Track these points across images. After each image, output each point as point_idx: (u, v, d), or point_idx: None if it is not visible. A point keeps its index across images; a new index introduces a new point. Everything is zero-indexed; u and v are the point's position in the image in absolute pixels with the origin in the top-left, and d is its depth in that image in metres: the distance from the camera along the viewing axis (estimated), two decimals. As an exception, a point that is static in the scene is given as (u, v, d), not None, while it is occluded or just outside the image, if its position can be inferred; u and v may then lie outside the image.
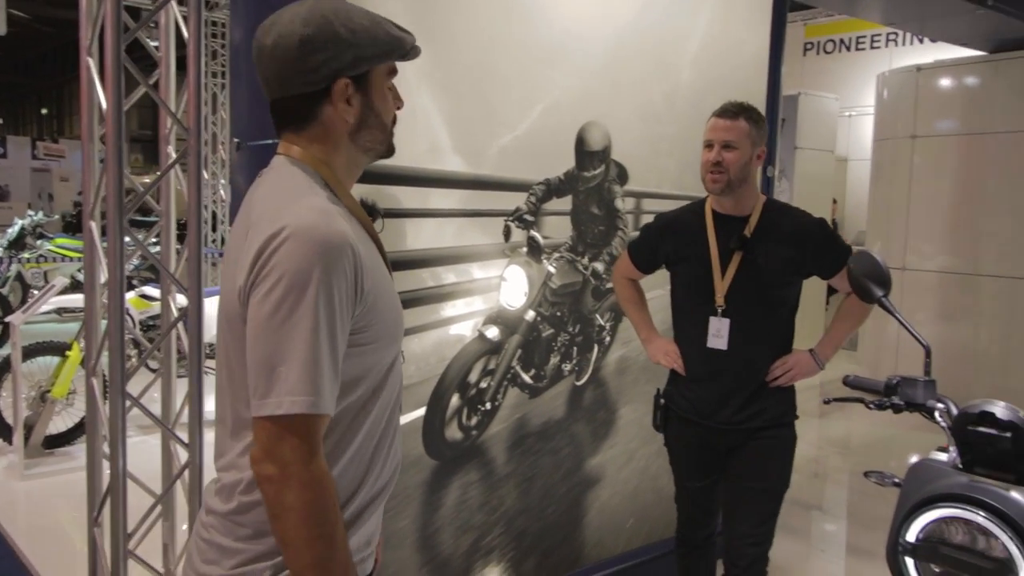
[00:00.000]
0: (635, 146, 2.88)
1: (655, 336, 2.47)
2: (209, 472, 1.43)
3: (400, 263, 2.33)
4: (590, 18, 2.68)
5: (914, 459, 1.47)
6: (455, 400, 2.50)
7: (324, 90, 1.20)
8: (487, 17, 2.43)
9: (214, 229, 9.22)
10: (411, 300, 2.36)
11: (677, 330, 2.41)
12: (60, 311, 4.68)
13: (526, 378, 2.68)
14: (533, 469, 2.74)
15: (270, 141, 2.28)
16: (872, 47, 8.78)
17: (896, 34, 8.37)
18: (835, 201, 8.61)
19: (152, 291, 4.71)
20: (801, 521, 4.09)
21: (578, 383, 2.84)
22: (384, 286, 1.22)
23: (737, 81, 3.22)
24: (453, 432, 2.51)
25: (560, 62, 2.61)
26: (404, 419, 2.40)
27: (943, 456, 1.46)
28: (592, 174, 2.76)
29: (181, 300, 2.56)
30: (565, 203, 2.71)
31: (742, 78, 3.23)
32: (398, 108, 1.29)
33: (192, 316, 2.41)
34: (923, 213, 6.30)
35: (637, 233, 2.58)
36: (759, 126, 2.24)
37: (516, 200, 2.58)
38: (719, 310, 2.24)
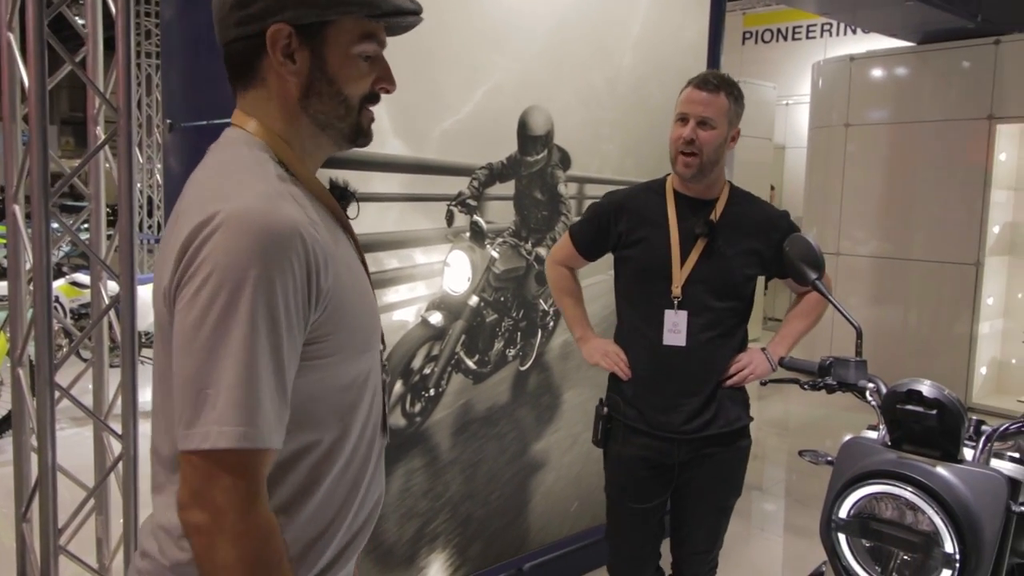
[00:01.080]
0: (577, 130, 2.89)
1: (591, 335, 2.21)
2: (144, 464, 1.35)
3: (341, 248, 2.29)
4: (532, 0, 2.67)
5: (846, 438, 1.51)
6: (398, 387, 2.48)
7: (259, 36, 0.98)
8: (428, -1, 2.40)
9: (150, 215, 8.95)
10: (353, 286, 2.33)
11: (624, 325, 2.16)
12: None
13: (470, 364, 2.67)
14: (478, 455, 2.74)
15: (204, 122, 2.23)
16: (808, 37, 8.97)
17: (831, 25, 8.57)
18: (773, 188, 8.78)
19: (83, 278, 4.56)
20: (741, 503, 4.18)
21: (522, 368, 2.85)
22: (353, 283, 1.02)
23: (678, 67, 3.24)
24: (396, 419, 2.49)
25: (503, 44, 2.60)
26: (346, 406, 2.37)
27: (873, 434, 1.51)
28: (535, 159, 2.75)
29: (113, 287, 2.48)
30: (508, 188, 2.70)
31: (682, 64, 3.26)
32: (383, 89, 1.08)
33: (124, 303, 2.33)
34: (856, 200, 6.48)
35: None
36: (739, 104, 2.02)
37: (459, 184, 2.56)
38: (676, 302, 2.01)
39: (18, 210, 2.39)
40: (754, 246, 2.07)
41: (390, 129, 2.36)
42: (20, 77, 2.32)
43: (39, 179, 2.21)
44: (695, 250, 2.03)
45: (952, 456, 1.38)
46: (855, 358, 1.63)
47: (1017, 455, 1.42)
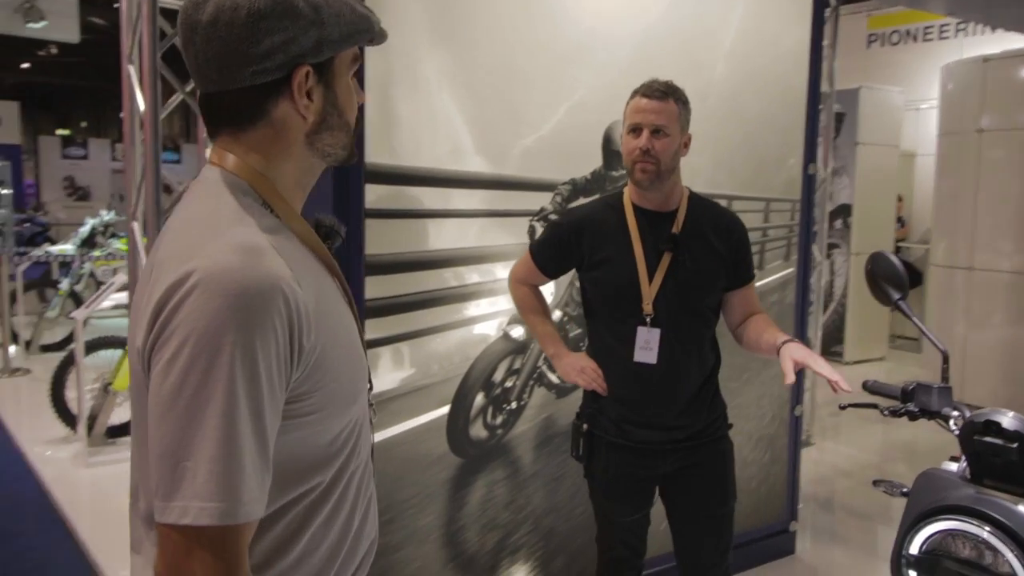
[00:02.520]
0: (666, 144, 2.84)
1: (565, 351, 2.14)
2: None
3: (422, 263, 2.36)
4: (616, 15, 2.66)
5: (924, 469, 1.41)
6: (479, 399, 2.52)
7: (279, 81, 0.95)
8: (509, 17, 2.44)
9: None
10: (433, 300, 2.39)
11: (595, 343, 2.12)
12: (123, 307, 4.87)
13: (553, 378, 2.68)
14: (561, 469, 2.73)
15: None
16: (941, 37, 8.43)
17: (965, 24, 8.02)
18: (900, 198, 8.30)
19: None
20: (859, 531, 3.98)
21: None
22: (338, 334, 0.98)
23: (776, 75, 3.16)
24: (478, 431, 2.53)
25: (586, 61, 2.60)
26: (429, 416, 2.43)
27: (953, 467, 1.41)
28: (620, 173, 2.73)
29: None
30: (593, 203, 2.69)
31: (780, 72, 3.16)
32: (360, 103, 1.07)
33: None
34: (992, 210, 6.03)
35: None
36: (687, 108, 2.01)
37: (541, 200, 2.58)
38: (648, 319, 1.97)
39: (136, 226, 2.60)
40: (718, 253, 2.03)
41: (471, 147, 2.41)
42: (138, 106, 2.53)
43: (152, 197, 2.40)
44: (661, 266, 2.00)
45: (1032, 491, 1.27)
46: (939, 384, 1.52)
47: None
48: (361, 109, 1.12)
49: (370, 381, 1.13)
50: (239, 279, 0.84)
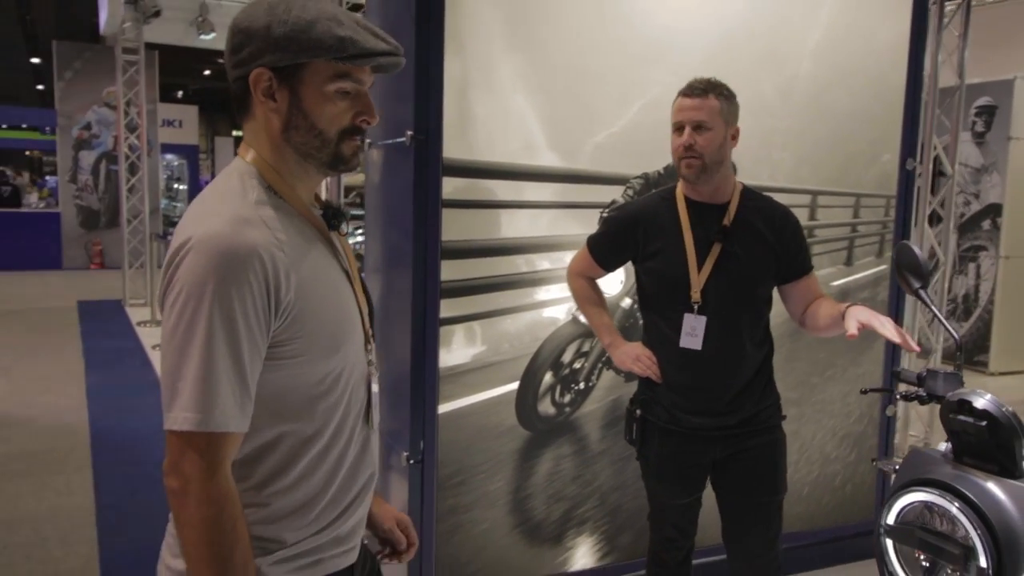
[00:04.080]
0: (744, 140, 2.89)
1: (621, 341, 2.25)
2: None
3: (494, 250, 2.57)
4: (691, 13, 2.76)
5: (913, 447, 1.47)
6: (548, 377, 2.71)
7: (246, 78, 1.15)
8: (583, 18, 2.61)
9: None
10: (504, 284, 2.61)
11: (648, 332, 2.21)
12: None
13: (621, 362, 2.81)
14: (629, 449, 2.83)
15: (398, 140, 2.63)
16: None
17: None
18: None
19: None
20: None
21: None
22: (323, 295, 1.17)
23: (871, 71, 3.13)
24: (546, 407, 2.72)
25: (660, 59, 2.72)
26: (499, 391, 2.65)
27: (943, 446, 1.45)
28: (695, 168, 2.83)
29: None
30: (666, 196, 2.81)
31: (875, 68, 3.13)
32: (362, 122, 1.19)
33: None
34: None
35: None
36: (731, 103, 2.07)
37: (613, 193, 2.73)
38: (695, 307, 2.05)
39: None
40: (769, 246, 2.08)
41: (543, 143, 2.60)
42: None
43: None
44: (711, 255, 2.07)
45: (1010, 472, 1.31)
46: (945, 369, 1.56)
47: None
48: (429, 108, 1.31)
49: (370, 340, 1.33)
50: (223, 243, 1.06)
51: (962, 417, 1.35)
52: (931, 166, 4.50)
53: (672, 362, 2.13)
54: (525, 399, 2.68)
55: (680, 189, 2.16)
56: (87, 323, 8.24)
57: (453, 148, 2.48)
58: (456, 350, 2.56)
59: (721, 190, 2.12)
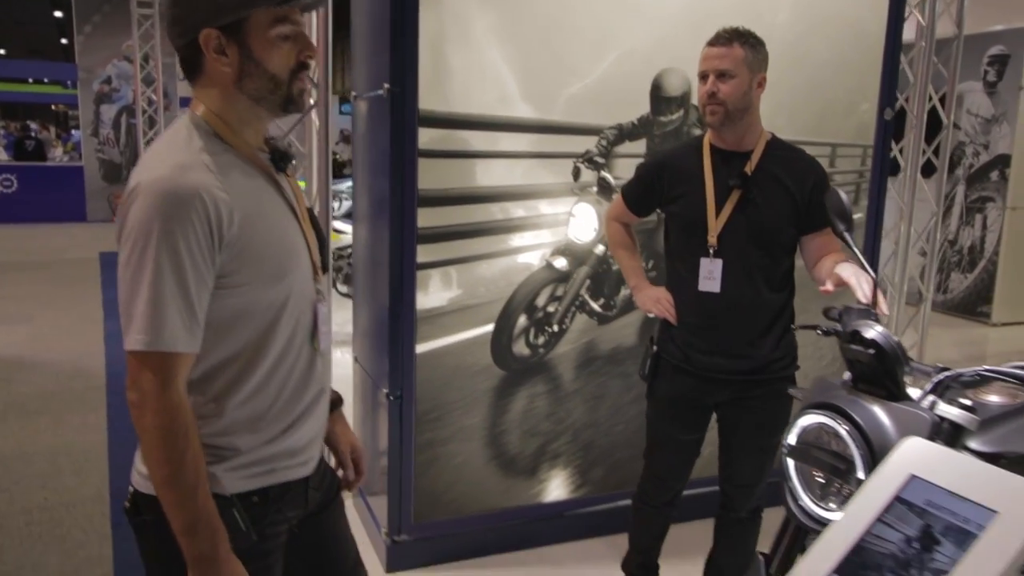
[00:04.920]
0: (718, 91, 2.97)
1: (645, 284, 2.36)
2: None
3: (469, 198, 2.70)
4: (664, -32, 2.81)
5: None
6: (522, 320, 2.85)
7: (194, 42, 1.25)
8: (555, -24, 2.68)
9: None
10: (480, 231, 2.73)
11: (669, 274, 2.32)
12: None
13: (595, 306, 2.95)
14: (602, 389, 3.02)
15: (377, 92, 2.74)
16: None
17: None
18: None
19: (340, 225, 5.50)
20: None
21: (650, 315, 3.05)
22: (266, 230, 1.30)
23: (849, 19, 3.16)
24: (520, 348, 2.86)
25: (634, 11, 2.79)
26: (475, 332, 2.80)
27: (847, 375, 1.57)
28: (669, 119, 2.91)
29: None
30: (639, 147, 2.90)
31: (853, 16, 3.16)
32: (306, 58, 1.31)
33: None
34: None
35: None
36: (757, 51, 2.11)
37: (586, 144, 2.83)
38: (711, 251, 2.14)
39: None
40: (791, 195, 2.13)
41: (518, 94, 2.70)
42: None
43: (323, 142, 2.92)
44: (730, 201, 2.14)
45: (895, 396, 1.43)
46: (860, 305, 1.67)
47: (969, 403, 1.41)
48: (404, 61, 1.44)
49: (318, 271, 1.47)
50: (166, 186, 1.20)
51: (855, 346, 1.47)
52: (925, 117, 4.51)
53: (689, 304, 2.22)
54: (500, 340, 2.82)
55: (707, 137, 2.23)
56: (108, 273, 8.52)
57: (429, 100, 2.59)
58: (433, 293, 2.71)
59: (746, 138, 2.17)
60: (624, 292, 2.98)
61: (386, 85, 2.55)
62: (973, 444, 1.43)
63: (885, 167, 3.37)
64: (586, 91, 2.79)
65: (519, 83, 2.70)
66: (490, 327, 2.81)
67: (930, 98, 4.56)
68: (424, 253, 2.67)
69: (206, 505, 1.27)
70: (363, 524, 3.11)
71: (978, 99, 7.20)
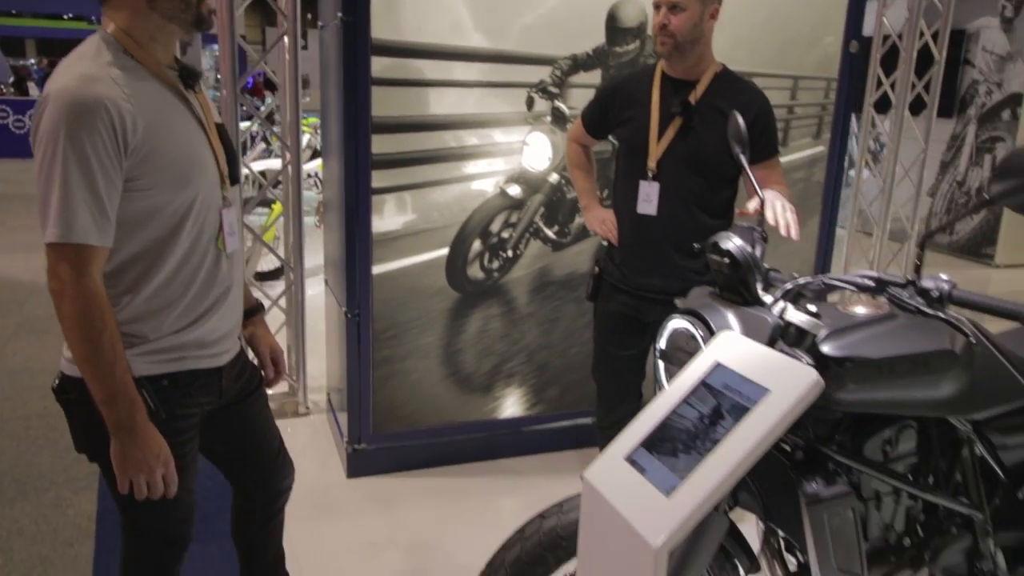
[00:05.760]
0: (675, 21, 3.01)
1: (595, 205, 2.48)
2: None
3: (423, 126, 2.80)
4: (619, -103, 2.83)
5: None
6: (477, 245, 2.97)
7: None
8: (507, -95, 2.72)
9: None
10: (433, 157, 2.85)
11: (614, 197, 2.43)
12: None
13: (549, 233, 3.06)
14: (556, 312, 3.15)
15: (332, 22, 2.83)
16: None
17: None
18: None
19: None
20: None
21: (604, 243, 3.15)
22: (171, 139, 1.44)
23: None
24: (475, 272, 3.00)
25: (588, -58, 2.82)
26: (430, 255, 2.94)
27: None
28: (624, 49, 2.97)
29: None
30: (594, 77, 2.97)
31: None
32: None
33: (293, 165, 3.12)
34: None
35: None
36: None
37: (540, 74, 2.90)
38: (650, 174, 2.23)
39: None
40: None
41: (470, 24, 2.78)
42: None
43: (228, 66, 3.03)
44: (672, 128, 2.23)
45: (749, 303, 1.55)
46: (745, 224, 1.76)
47: (814, 310, 1.52)
48: None
49: (226, 180, 1.61)
50: (71, 96, 1.33)
51: (713, 256, 1.58)
52: (915, 53, 4.46)
53: (628, 226, 2.34)
54: (455, 264, 2.96)
55: (660, 66, 2.31)
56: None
57: (382, 29, 2.68)
58: (389, 218, 2.84)
59: (696, 68, 2.24)
60: (579, 220, 3.09)
61: (339, 14, 2.65)
62: (824, 348, 1.55)
63: (849, 100, 3.39)
64: (541, 21, 2.85)
65: (472, 13, 2.77)
66: (445, 251, 2.94)
67: (922, 34, 4.50)
68: (379, 179, 2.79)
69: (123, 379, 1.44)
70: (332, 436, 3.32)
71: (994, 36, 7.02)
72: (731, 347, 1.27)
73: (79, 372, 1.45)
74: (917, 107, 4.72)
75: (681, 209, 2.25)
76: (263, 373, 1.87)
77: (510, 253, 3.03)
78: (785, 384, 1.13)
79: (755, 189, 1.88)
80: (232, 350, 1.70)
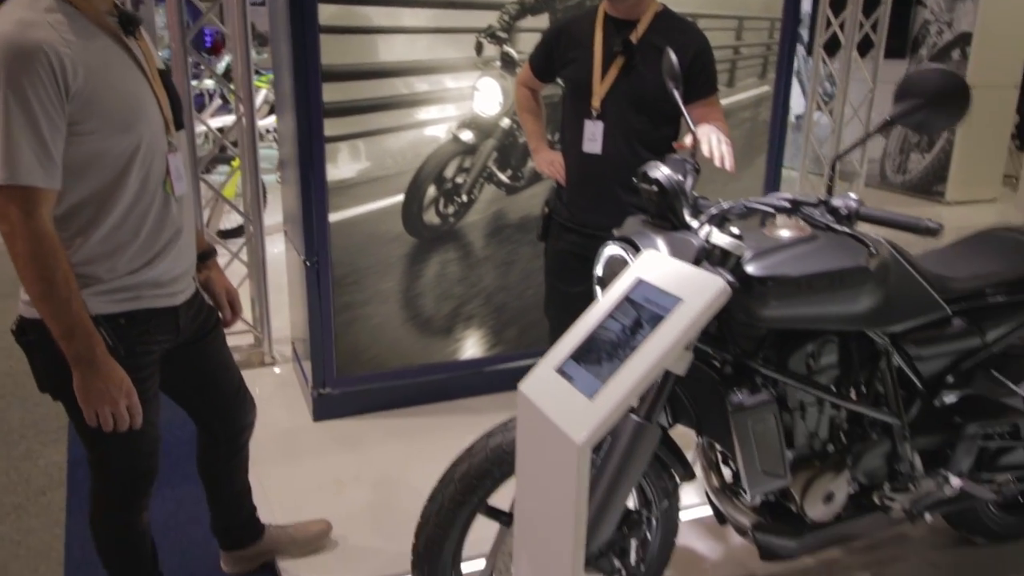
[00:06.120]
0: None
1: (543, 147, 2.54)
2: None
3: (373, 73, 2.84)
4: None
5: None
6: (432, 190, 3.04)
7: None
8: None
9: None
10: (385, 105, 2.89)
11: (562, 138, 2.49)
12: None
13: (502, 177, 3.13)
14: (512, 255, 3.24)
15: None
16: None
17: None
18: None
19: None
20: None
21: (545, 177, 3.20)
22: (112, 84, 1.48)
23: None
24: (431, 217, 3.07)
25: None
26: (386, 202, 2.99)
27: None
28: (571, -7, 3.01)
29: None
30: (542, 21, 3.01)
31: None
32: None
33: (247, 107, 3.14)
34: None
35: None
36: None
37: (488, 18, 2.93)
38: (594, 113, 2.29)
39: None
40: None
41: (416, -30, 2.80)
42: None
43: (176, 18, 3.03)
44: (614, 67, 2.28)
45: (677, 227, 1.64)
46: (679, 157, 1.85)
47: (737, 232, 1.62)
48: None
49: (170, 126, 1.66)
50: (11, 41, 1.37)
51: (643, 185, 1.67)
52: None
53: (575, 166, 2.41)
54: (411, 209, 3.02)
55: (603, 6, 2.36)
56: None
57: (328, -24, 2.70)
58: (343, 165, 2.89)
59: (636, 8, 2.29)
60: (531, 164, 3.14)
61: (284, -39, 2.65)
62: (748, 269, 1.65)
63: (793, 40, 3.47)
64: (486, -34, 2.88)
65: (418, -42, 2.79)
66: (400, 197, 3.00)
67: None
68: (332, 127, 2.83)
69: (80, 313, 1.51)
70: (299, 384, 3.40)
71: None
72: (652, 265, 1.36)
73: (37, 313, 1.52)
74: (868, 48, 4.82)
75: (625, 147, 2.32)
76: (220, 314, 1.94)
77: (465, 198, 3.10)
78: (695, 293, 1.23)
79: (690, 125, 1.96)
80: (187, 290, 1.77)
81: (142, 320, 1.65)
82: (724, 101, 3.44)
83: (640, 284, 1.33)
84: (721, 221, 1.66)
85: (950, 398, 2.03)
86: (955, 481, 1.99)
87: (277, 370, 3.63)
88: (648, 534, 1.88)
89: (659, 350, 1.18)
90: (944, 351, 1.97)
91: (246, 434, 2.05)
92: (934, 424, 2.03)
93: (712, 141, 2.02)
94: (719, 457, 2.00)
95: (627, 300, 1.32)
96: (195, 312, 1.82)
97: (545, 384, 1.30)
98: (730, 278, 1.50)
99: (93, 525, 1.81)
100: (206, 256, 1.93)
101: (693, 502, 2.42)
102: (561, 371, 1.30)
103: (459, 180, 3.07)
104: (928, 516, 2.00)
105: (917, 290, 1.86)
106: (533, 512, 1.37)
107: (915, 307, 1.87)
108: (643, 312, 1.28)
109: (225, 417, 1.98)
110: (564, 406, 1.22)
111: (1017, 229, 2.18)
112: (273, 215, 4.04)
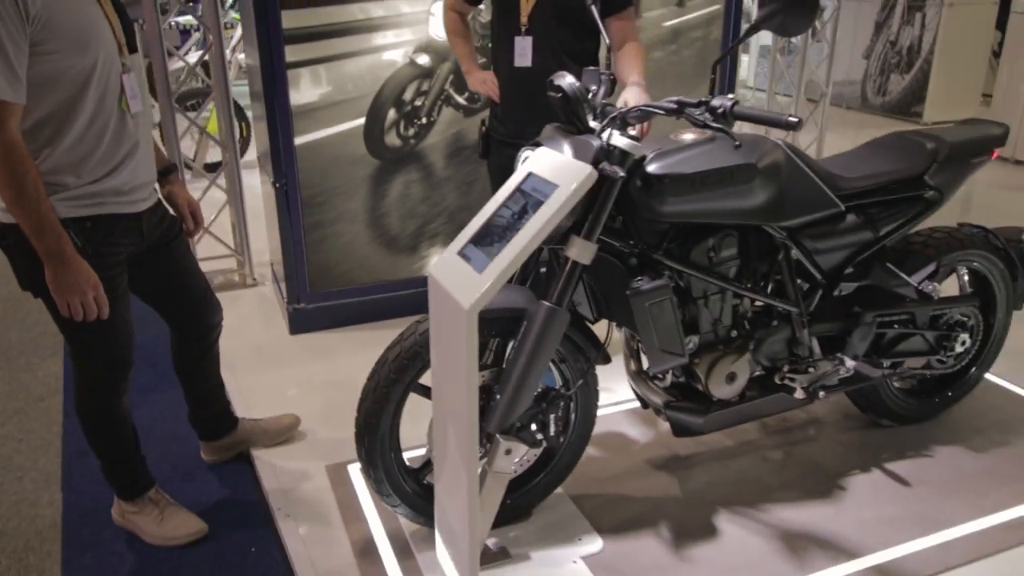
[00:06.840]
0: None
1: (475, 68, 2.63)
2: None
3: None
4: None
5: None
6: (392, 114, 3.20)
7: None
8: None
9: None
10: (343, 30, 3.03)
11: (494, 56, 2.59)
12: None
13: (459, 99, 3.28)
14: (472, 175, 3.41)
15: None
16: None
17: None
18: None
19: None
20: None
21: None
22: (67, 9, 1.64)
23: None
24: (392, 139, 3.24)
25: None
26: (348, 125, 3.16)
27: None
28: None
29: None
30: (493, -55, 3.11)
31: None
32: None
33: (216, 46, 3.28)
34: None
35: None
36: None
37: (439, -56, 3.05)
38: (523, 29, 2.40)
39: None
40: None
41: (367, -103, 2.90)
42: None
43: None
44: None
45: (581, 132, 1.82)
46: (598, 70, 1.99)
47: (634, 133, 1.80)
48: None
49: (123, 48, 1.83)
50: None
51: (551, 93, 1.84)
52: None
53: (508, 81, 2.53)
54: (372, 132, 3.19)
55: None
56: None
57: (281, -94, 2.81)
58: (305, 90, 3.05)
59: None
60: (487, 86, 3.29)
61: None
62: (648, 168, 1.84)
63: (744, -41, 3.56)
64: None
65: None
66: (362, 120, 3.16)
67: None
68: (293, 53, 2.98)
69: (48, 214, 1.71)
70: (277, 301, 3.63)
71: None
72: (543, 160, 1.55)
73: (12, 218, 1.72)
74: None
75: (553, 60, 2.44)
76: (184, 225, 2.14)
77: (424, 120, 3.26)
78: (568, 179, 1.41)
79: (607, 37, 2.10)
80: (149, 200, 1.97)
81: (107, 224, 1.85)
82: (675, 20, 3.57)
83: (530, 176, 1.52)
84: (623, 124, 1.84)
85: (849, 289, 2.24)
86: (849, 363, 2.20)
87: (259, 291, 3.85)
88: (569, 412, 2.11)
89: (535, 227, 1.37)
90: (839, 244, 2.16)
91: (214, 333, 2.28)
92: (836, 312, 2.24)
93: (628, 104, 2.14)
94: (638, 346, 2.22)
95: (519, 190, 1.51)
96: (158, 220, 2.02)
97: (448, 265, 1.50)
98: (622, 173, 1.69)
99: (78, 410, 2.05)
100: (167, 172, 2.12)
101: (628, 397, 2.65)
102: (462, 253, 1.50)
103: (418, 103, 3.23)
104: (822, 393, 2.22)
105: (810, 187, 2.04)
106: (442, 381, 1.59)
107: (808, 203, 2.05)
108: (530, 200, 1.47)
109: (193, 317, 2.20)
110: (459, 280, 1.43)
111: (920, 133, 2.34)
112: (253, 152, 4.20)
